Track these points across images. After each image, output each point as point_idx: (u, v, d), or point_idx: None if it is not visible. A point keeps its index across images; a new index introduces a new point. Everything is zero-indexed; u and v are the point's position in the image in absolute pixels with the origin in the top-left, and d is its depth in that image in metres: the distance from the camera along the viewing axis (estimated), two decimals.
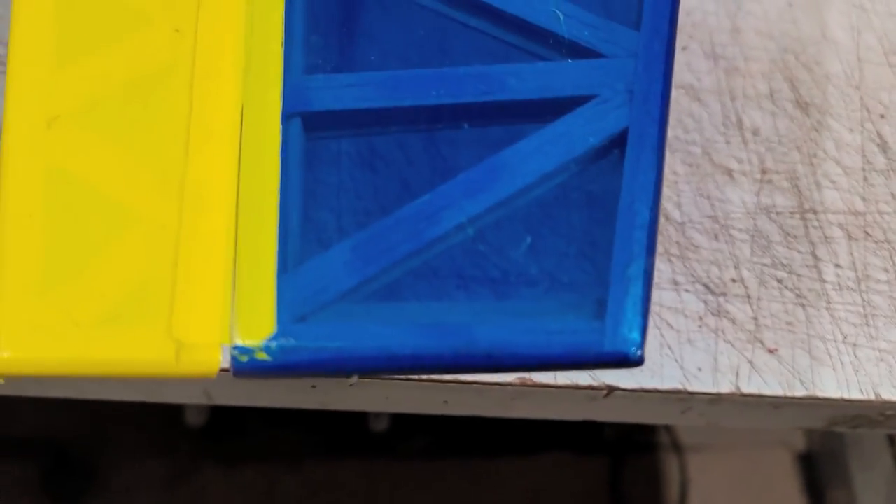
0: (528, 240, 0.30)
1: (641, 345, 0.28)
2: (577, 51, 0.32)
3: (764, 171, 0.46)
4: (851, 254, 0.44)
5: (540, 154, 0.30)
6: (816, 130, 0.47)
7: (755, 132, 0.47)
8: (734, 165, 0.46)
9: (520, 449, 0.81)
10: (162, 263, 0.29)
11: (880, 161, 0.46)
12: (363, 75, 0.32)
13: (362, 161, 0.31)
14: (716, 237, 0.45)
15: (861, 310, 0.43)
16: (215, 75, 0.31)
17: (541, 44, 0.32)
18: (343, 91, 0.31)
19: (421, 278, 0.30)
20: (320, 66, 0.32)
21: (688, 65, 0.48)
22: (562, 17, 0.32)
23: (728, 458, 0.82)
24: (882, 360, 0.42)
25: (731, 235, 0.45)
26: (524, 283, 0.29)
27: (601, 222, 0.30)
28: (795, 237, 0.45)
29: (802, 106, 0.47)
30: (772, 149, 0.47)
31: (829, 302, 0.43)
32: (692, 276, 0.43)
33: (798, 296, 0.43)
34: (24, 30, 0.31)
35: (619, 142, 0.31)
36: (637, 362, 0.28)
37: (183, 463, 0.80)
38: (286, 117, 0.31)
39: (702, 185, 0.46)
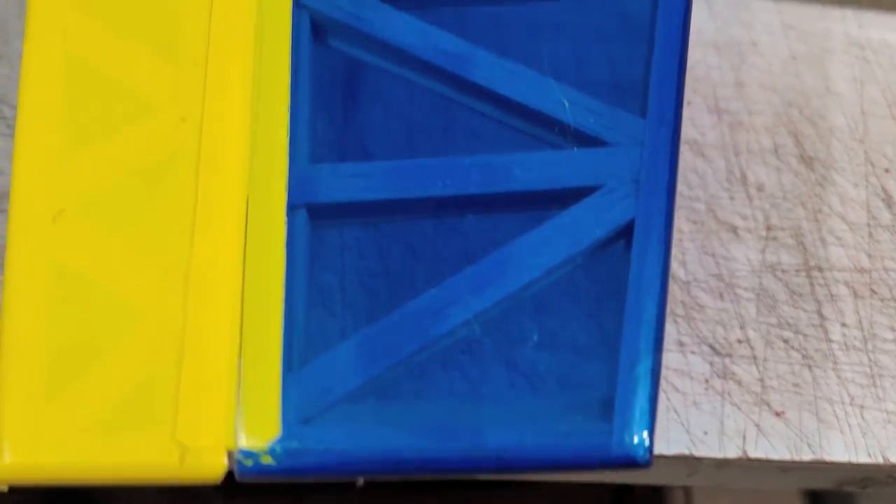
0: (535, 336, 0.29)
1: (649, 448, 0.27)
2: (583, 139, 0.31)
3: (769, 228, 0.45)
4: (857, 312, 0.44)
5: (546, 247, 0.30)
6: (821, 185, 0.47)
7: (760, 188, 0.46)
8: (739, 222, 0.46)
9: (522, 480, 0.81)
10: (166, 363, 0.28)
11: (885, 216, 0.46)
12: (368, 165, 0.31)
13: (367, 251, 0.31)
14: (721, 296, 0.44)
15: (868, 370, 0.43)
16: (221, 165, 0.30)
17: (546, 130, 0.32)
18: (348, 181, 0.31)
19: (427, 377, 0.29)
20: (326, 154, 0.32)
21: (691, 119, 0.48)
22: (567, 104, 0.31)
23: (735, 491, 0.82)
24: (889, 421, 0.42)
25: (736, 294, 0.44)
26: (531, 380, 0.29)
27: (607, 317, 0.30)
28: (801, 296, 0.44)
29: (807, 161, 0.47)
30: (776, 205, 0.46)
31: (835, 362, 0.43)
32: (698, 336, 0.43)
33: (804, 356, 0.43)
34: (30, 120, 0.31)
35: (625, 231, 0.30)
36: (645, 465, 0.27)
37: (184, 500, 0.80)
38: (291, 208, 0.31)
39: (706, 243, 0.45)
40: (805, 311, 0.44)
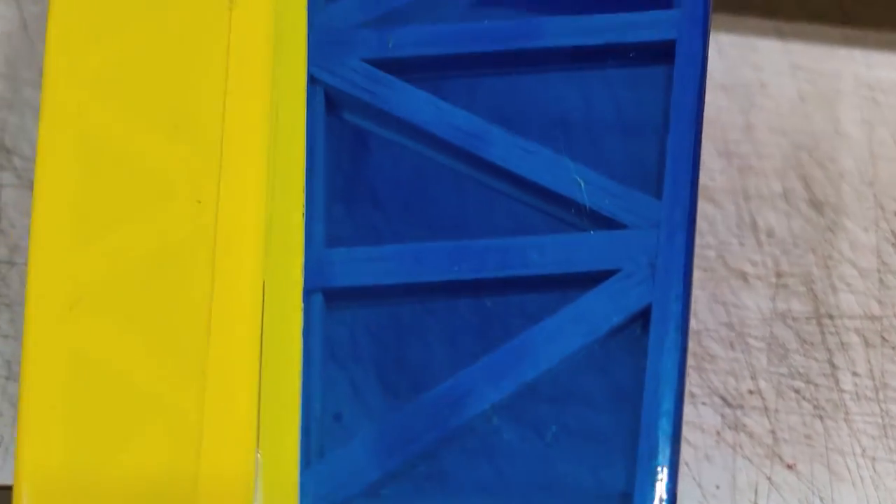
0: (553, 427, 0.29)
1: None
2: (599, 220, 0.31)
3: (779, 275, 0.45)
4: (868, 361, 0.44)
5: (562, 336, 0.30)
6: (831, 231, 0.46)
7: (769, 234, 0.46)
8: (749, 269, 0.45)
9: None
10: (185, 457, 0.28)
11: (895, 262, 0.46)
12: (384, 249, 0.31)
13: (383, 336, 0.31)
14: (732, 346, 0.44)
15: (879, 420, 0.43)
16: (237, 249, 0.30)
17: (563, 210, 0.31)
18: (364, 265, 0.31)
19: (445, 470, 0.29)
20: (341, 237, 0.32)
21: (702, 164, 0.47)
22: (583, 184, 0.31)
23: None
24: None
25: (747, 344, 0.44)
26: (550, 473, 0.29)
27: (624, 406, 0.29)
28: (812, 344, 0.44)
29: (816, 205, 0.47)
30: (787, 251, 0.46)
31: (847, 413, 0.43)
32: (709, 387, 0.43)
33: (816, 407, 0.43)
34: (47, 204, 0.30)
35: (641, 317, 0.30)
36: None
37: None
38: (307, 293, 0.30)
39: (717, 291, 0.45)
40: (816, 360, 0.43)
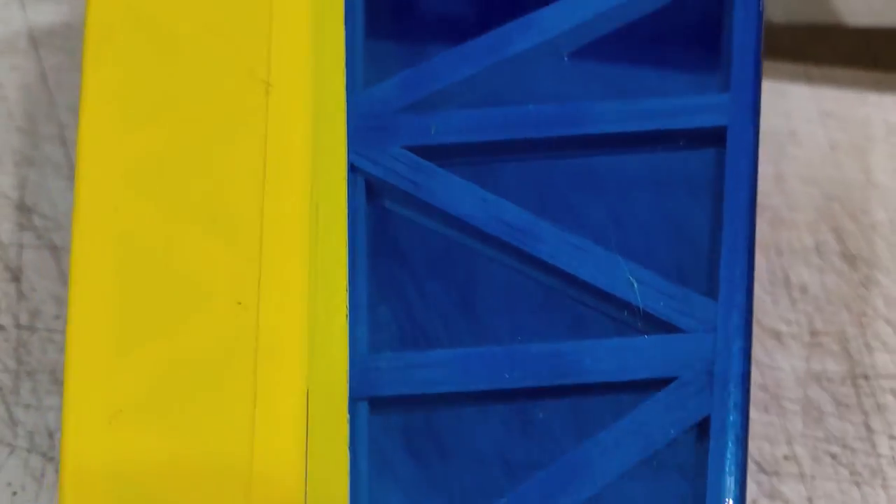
0: None
1: None
2: (653, 322, 0.30)
3: (813, 334, 0.44)
4: None
5: (618, 451, 0.29)
6: (864, 286, 0.45)
7: (803, 290, 0.45)
8: (783, 328, 0.44)
9: None
10: None
11: None
12: (431, 354, 0.30)
13: (431, 445, 0.29)
14: (766, 409, 0.43)
15: None
16: (280, 355, 0.29)
17: (616, 310, 0.30)
18: (410, 372, 0.30)
19: None
20: (386, 341, 0.30)
21: None
22: (636, 284, 0.30)
23: None
24: None
25: (782, 407, 0.43)
26: None
27: None
28: (847, 406, 0.43)
29: (849, 259, 0.46)
30: (820, 308, 0.45)
31: (884, 478, 0.42)
32: None
33: (852, 472, 0.42)
34: (84, 311, 0.29)
35: (699, 427, 0.29)
36: None
37: None
38: (352, 401, 0.29)
39: (751, 351, 0.44)
40: (852, 423, 0.43)
